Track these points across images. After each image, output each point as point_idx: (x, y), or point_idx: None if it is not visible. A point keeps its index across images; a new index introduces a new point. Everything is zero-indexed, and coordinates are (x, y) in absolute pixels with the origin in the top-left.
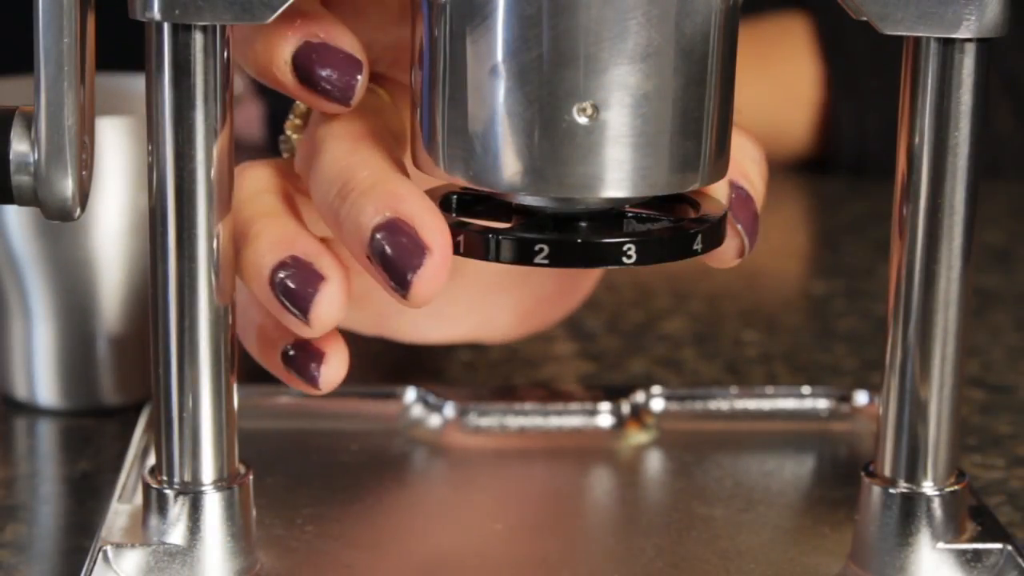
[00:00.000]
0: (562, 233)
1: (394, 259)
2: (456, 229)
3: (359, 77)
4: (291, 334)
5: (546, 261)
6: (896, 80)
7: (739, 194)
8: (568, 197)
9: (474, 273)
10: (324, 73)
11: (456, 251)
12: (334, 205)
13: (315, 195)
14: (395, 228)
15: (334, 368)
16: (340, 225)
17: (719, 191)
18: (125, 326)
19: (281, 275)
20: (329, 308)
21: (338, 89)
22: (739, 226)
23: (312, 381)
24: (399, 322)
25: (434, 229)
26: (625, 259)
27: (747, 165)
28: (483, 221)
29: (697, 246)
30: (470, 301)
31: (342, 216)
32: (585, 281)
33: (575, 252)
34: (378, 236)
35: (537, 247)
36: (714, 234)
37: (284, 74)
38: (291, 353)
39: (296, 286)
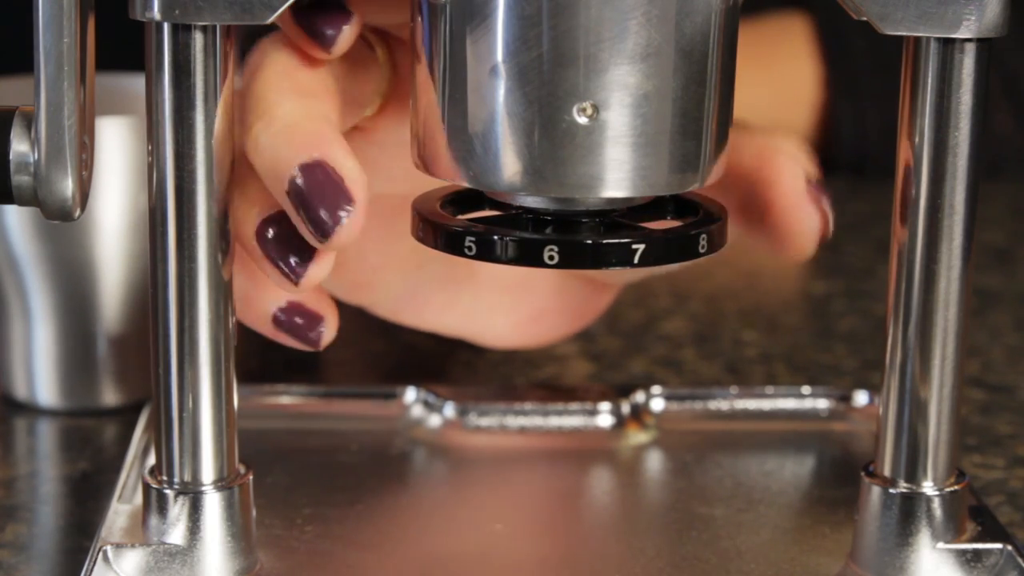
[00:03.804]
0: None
1: (316, 203)
2: (418, 216)
3: (345, 28)
4: (279, 297)
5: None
6: (896, 80)
7: (814, 182)
8: (568, 197)
9: (465, 266)
10: (314, 16)
11: (417, 237)
12: (255, 128)
13: (244, 117)
14: (322, 171)
15: (331, 327)
16: (258, 152)
17: (796, 174)
18: (125, 326)
19: (270, 229)
20: (326, 271)
21: (324, 36)
22: (825, 206)
23: (313, 343)
24: (376, 295)
25: (359, 181)
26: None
27: (811, 169)
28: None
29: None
30: (458, 293)
31: (263, 143)
32: (595, 303)
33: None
34: (302, 175)
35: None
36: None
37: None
38: (284, 317)
39: (289, 246)
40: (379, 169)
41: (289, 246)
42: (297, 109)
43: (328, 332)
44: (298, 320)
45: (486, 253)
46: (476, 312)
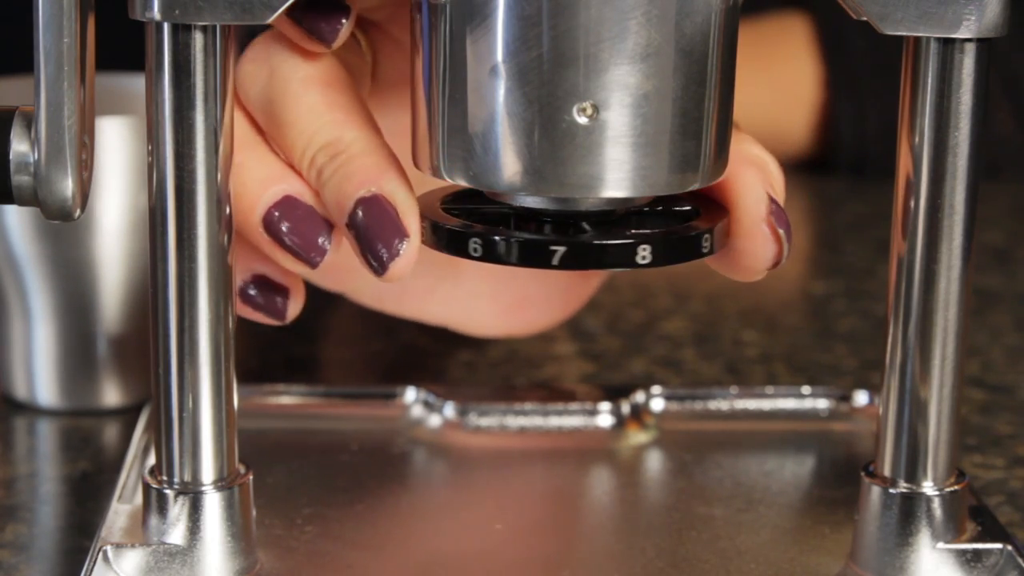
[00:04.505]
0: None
1: (373, 237)
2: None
3: (344, 21)
4: (245, 270)
5: (478, 255)
6: (896, 80)
7: (776, 206)
8: (568, 197)
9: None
10: (311, 13)
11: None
12: (318, 160)
13: (290, 142)
14: (377, 206)
15: (297, 301)
16: (322, 184)
17: (758, 198)
18: (125, 326)
19: (277, 214)
20: (336, 251)
21: (323, 31)
22: (781, 230)
23: (279, 315)
24: (358, 282)
25: (412, 212)
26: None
27: (777, 182)
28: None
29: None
30: (439, 280)
31: (326, 176)
32: (579, 290)
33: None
34: (360, 210)
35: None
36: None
37: None
38: (250, 291)
39: (301, 230)
40: None
41: (300, 231)
42: (360, 142)
43: (293, 305)
44: (263, 294)
45: (447, 245)
46: (458, 299)
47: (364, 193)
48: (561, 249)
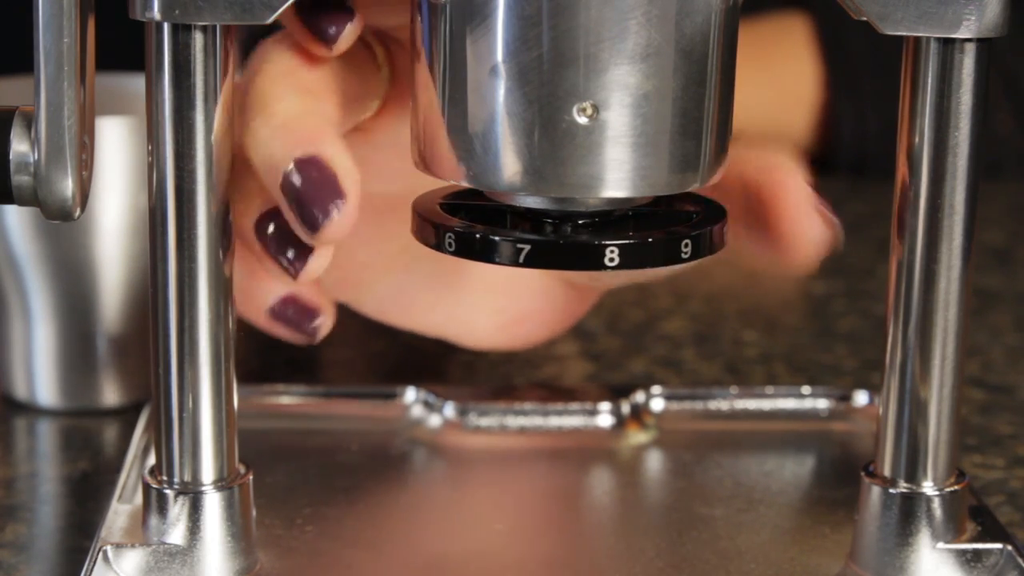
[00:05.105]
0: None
1: (308, 198)
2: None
3: (348, 27)
4: (276, 289)
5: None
6: (896, 80)
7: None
8: (567, 197)
9: (452, 268)
10: (317, 14)
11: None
12: (253, 124)
13: (248, 102)
14: (315, 167)
15: (327, 321)
16: (256, 146)
17: (801, 184)
18: (125, 326)
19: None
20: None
21: (327, 33)
22: (831, 215)
23: (309, 335)
24: (362, 293)
25: (351, 175)
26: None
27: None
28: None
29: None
30: (443, 294)
31: (260, 138)
32: (576, 306)
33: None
34: (295, 171)
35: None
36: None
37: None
38: (281, 310)
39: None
40: (372, 168)
41: (288, 240)
42: (296, 106)
43: (324, 325)
44: (294, 313)
45: (427, 240)
46: (461, 313)
47: (301, 154)
48: (527, 248)
